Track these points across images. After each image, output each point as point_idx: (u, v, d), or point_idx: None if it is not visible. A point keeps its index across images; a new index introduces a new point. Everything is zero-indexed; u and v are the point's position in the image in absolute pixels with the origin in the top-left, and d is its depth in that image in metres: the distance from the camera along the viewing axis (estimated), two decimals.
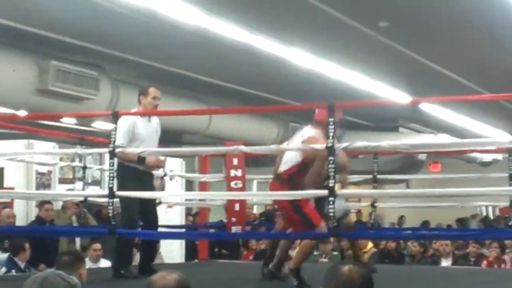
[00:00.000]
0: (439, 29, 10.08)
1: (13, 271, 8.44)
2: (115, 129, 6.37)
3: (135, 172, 6.81)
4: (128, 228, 6.66)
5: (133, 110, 7.08)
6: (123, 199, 6.76)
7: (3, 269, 8.69)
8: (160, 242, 9.49)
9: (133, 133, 6.80)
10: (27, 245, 8.75)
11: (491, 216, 20.42)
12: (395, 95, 13.34)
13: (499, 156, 17.67)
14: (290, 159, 6.16)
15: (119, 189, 6.63)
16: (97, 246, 9.33)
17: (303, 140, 6.13)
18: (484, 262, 10.17)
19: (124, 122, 6.76)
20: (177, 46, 10.56)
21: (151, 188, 7.10)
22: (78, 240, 10.35)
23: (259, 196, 10.49)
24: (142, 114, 6.95)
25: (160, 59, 11.42)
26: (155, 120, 7.13)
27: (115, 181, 6.59)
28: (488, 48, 11.02)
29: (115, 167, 6.60)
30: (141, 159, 6.71)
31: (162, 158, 7.08)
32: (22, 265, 8.66)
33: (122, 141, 6.61)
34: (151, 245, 7.37)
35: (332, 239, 9.69)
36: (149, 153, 6.67)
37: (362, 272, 2.75)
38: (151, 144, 6.92)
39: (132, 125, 6.80)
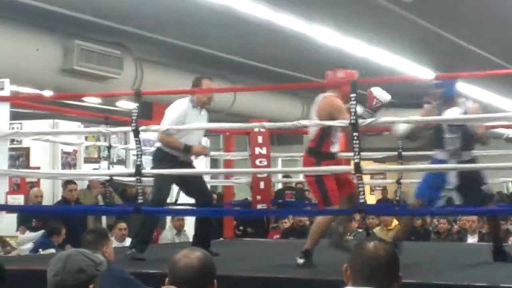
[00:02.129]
0: (464, 4, 9.98)
1: (52, 249, 8.47)
2: (137, 107, 6.41)
3: (174, 160, 6.77)
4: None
5: (185, 100, 6.90)
6: (155, 181, 6.80)
7: (30, 246, 8.80)
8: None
9: (183, 123, 6.72)
10: (63, 231, 8.79)
11: None
12: (419, 71, 13.25)
13: None
14: (311, 129, 6.17)
15: (156, 180, 6.73)
16: (122, 225, 9.35)
17: (318, 104, 6.16)
18: (511, 238, 10.10)
19: (176, 110, 6.79)
20: (201, 24, 10.53)
21: (189, 176, 7.00)
22: (104, 220, 10.42)
23: (284, 172, 10.48)
24: (167, 93, 6.93)
25: (184, 37, 11.41)
26: (205, 112, 7.07)
27: (151, 164, 6.71)
28: None
29: (154, 152, 6.82)
30: (186, 148, 6.71)
31: (207, 146, 7.11)
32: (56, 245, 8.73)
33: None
34: (204, 223, 7.18)
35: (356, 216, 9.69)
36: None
37: (387, 248, 2.74)
38: (197, 136, 6.95)
39: (183, 115, 6.76)
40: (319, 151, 6.03)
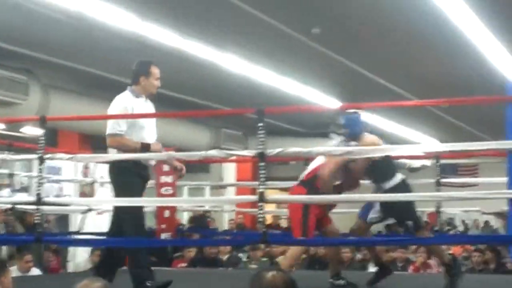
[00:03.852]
0: (369, 37, 10.20)
1: None
2: (44, 134, 6.22)
3: (136, 165, 5.83)
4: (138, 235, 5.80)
5: (125, 92, 6.13)
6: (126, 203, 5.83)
7: None
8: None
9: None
10: None
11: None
12: (327, 101, 13.44)
13: (427, 162, 17.92)
14: (312, 165, 6.51)
15: (122, 193, 5.85)
16: (28, 257, 8.99)
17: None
18: (411, 267, 10.30)
19: (120, 104, 5.92)
20: (109, 51, 10.45)
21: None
22: (4, 249, 10.11)
23: (190, 202, 10.41)
24: (73, 119, 6.68)
25: (92, 64, 11.30)
26: (150, 102, 6.21)
27: (113, 183, 5.94)
28: (417, 55, 11.18)
29: (110, 166, 5.94)
30: (144, 145, 5.80)
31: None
32: None
33: (121, 128, 5.77)
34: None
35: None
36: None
37: (285, 278, 2.76)
38: (152, 130, 6.09)
39: (130, 107, 5.87)
40: (311, 184, 6.33)
